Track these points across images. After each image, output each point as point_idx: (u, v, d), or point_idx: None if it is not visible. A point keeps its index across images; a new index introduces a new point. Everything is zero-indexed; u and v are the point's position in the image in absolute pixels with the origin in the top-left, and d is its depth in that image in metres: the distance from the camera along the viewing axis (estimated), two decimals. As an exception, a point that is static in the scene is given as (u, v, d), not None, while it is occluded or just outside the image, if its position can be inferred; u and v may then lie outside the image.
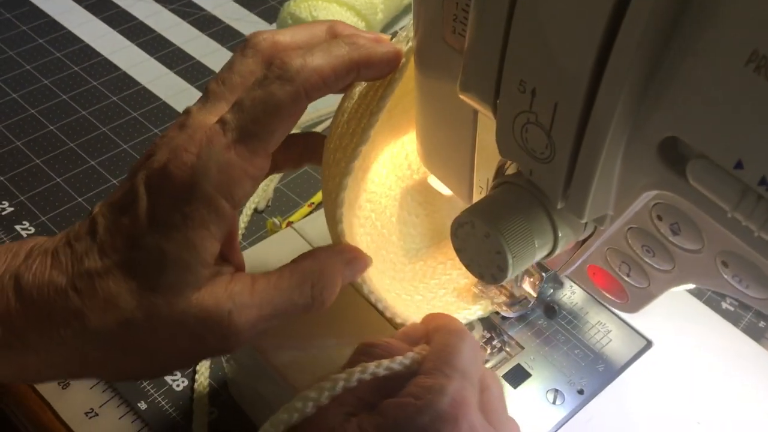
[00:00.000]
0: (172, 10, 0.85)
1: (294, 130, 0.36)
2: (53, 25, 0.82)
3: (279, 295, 0.35)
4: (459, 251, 0.34)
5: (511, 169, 0.34)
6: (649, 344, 0.44)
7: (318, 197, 0.64)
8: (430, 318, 0.40)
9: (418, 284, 0.46)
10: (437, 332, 0.37)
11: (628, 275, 0.34)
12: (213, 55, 0.79)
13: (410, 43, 0.35)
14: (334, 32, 0.37)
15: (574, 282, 0.45)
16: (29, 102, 0.73)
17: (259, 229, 0.62)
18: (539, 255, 0.32)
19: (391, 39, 0.36)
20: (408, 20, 0.35)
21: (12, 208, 0.62)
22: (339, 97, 0.38)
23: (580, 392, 0.41)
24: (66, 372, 0.35)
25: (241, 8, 0.86)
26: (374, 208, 0.43)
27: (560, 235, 0.32)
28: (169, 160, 0.33)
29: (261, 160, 0.34)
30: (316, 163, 0.41)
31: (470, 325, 0.44)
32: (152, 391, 0.50)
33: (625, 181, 0.28)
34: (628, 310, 0.36)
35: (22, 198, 0.63)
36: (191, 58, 0.79)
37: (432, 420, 0.31)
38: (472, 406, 0.32)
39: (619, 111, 0.25)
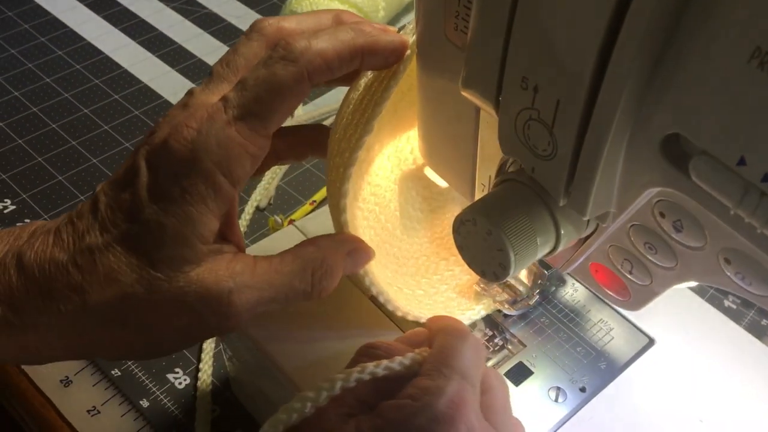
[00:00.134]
0: (174, 8, 0.86)
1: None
2: (55, 23, 0.82)
3: (280, 279, 0.35)
4: (461, 248, 0.34)
5: (513, 167, 0.34)
6: (651, 342, 0.44)
7: (319, 195, 0.64)
8: (433, 321, 0.39)
9: (420, 279, 0.46)
10: (439, 334, 0.37)
11: (630, 273, 0.34)
12: (215, 53, 0.79)
13: (415, 36, 0.35)
14: (340, 20, 0.37)
15: (577, 279, 0.45)
16: (31, 100, 0.73)
17: (261, 227, 0.62)
18: (541, 252, 0.32)
19: (398, 32, 0.36)
20: (410, 18, 0.35)
21: (14, 206, 0.63)
22: (343, 93, 0.38)
23: (582, 390, 0.41)
24: (65, 351, 0.35)
25: (242, 6, 0.86)
26: (379, 201, 0.43)
27: (562, 232, 0.32)
28: (170, 134, 0.33)
29: (261, 140, 0.34)
30: (321, 155, 0.41)
31: (472, 323, 0.44)
32: (154, 389, 0.50)
33: (628, 179, 0.28)
34: (631, 308, 0.36)
35: (24, 196, 0.63)
36: (193, 56, 0.79)
37: (428, 421, 0.31)
38: (470, 407, 0.32)
39: (622, 108, 0.25)
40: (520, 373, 0.42)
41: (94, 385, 0.50)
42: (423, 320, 0.42)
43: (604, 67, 0.24)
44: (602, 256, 0.35)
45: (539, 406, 0.40)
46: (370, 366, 0.34)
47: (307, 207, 0.63)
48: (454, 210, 0.47)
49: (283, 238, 0.47)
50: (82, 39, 0.81)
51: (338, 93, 0.73)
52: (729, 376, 0.42)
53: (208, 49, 0.80)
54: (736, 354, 0.44)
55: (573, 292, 0.46)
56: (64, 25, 0.82)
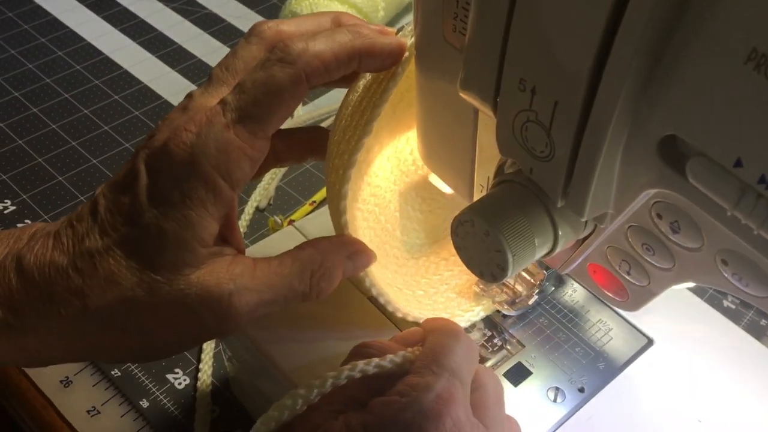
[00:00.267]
0: (174, 9, 0.86)
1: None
2: (55, 24, 0.82)
3: (279, 281, 0.35)
4: (459, 249, 0.34)
5: (511, 168, 0.34)
6: (650, 342, 0.44)
7: (319, 195, 0.64)
8: (427, 321, 0.40)
9: (420, 279, 0.46)
10: (432, 333, 0.37)
11: (628, 273, 0.34)
12: (214, 54, 0.79)
13: (413, 38, 0.35)
14: (339, 22, 0.37)
15: (575, 280, 0.45)
16: (31, 101, 0.73)
17: (261, 227, 0.62)
18: (539, 253, 0.32)
19: (397, 33, 0.36)
20: (409, 18, 0.35)
21: (14, 207, 0.63)
22: (342, 94, 0.39)
23: (581, 390, 0.41)
24: (66, 354, 0.35)
25: (242, 6, 0.86)
26: (378, 202, 0.43)
27: (560, 233, 0.32)
28: (169, 138, 0.33)
29: (260, 142, 0.34)
30: (320, 157, 0.41)
31: (471, 324, 0.45)
32: (154, 389, 0.50)
33: (625, 180, 0.28)
34: (629, 309, 0.36)
35: (24, 197, 0.63)
36: (193, 56, 0.79)
37: (415, 416, 0.31)
38: (458, 403, 0.32)
39: (619, 109, 0.25)
40: (519, 374, 0.42)
41: (94, 386, 0.50)
42: (423, 321, 0.42)
43: (602, 69, 0.24)
44: (600, 256, 0.35)
45: (538, 407, 0.41)
46: (361, 364, 0.34)
47: (306, 207, 0.63)
48: (454, 210, 0.47)
49: (282, 239, 0.47)
50: (82, 39, 0.81)
51: (338, 93, 0.73)
52: (728, 376, 0.42)
53: (208, 49, 0.80)
54: (734, 354, 0.44)
55: (572, 292, 0.46)
56: (64, 26, 0.82)
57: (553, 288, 0.46)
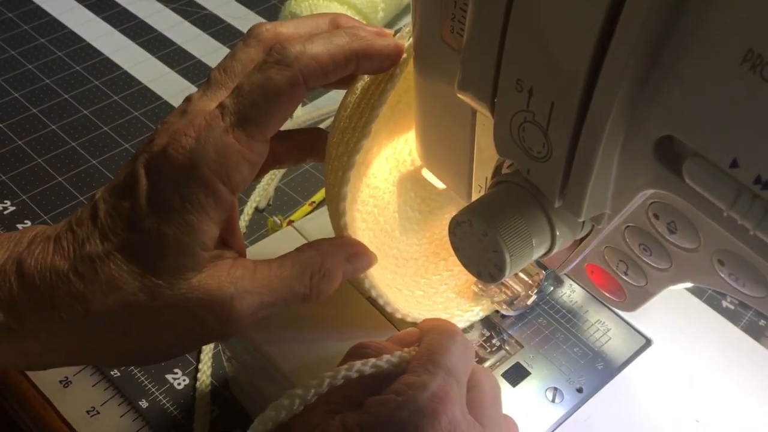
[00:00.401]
0: (174, 10, 0.86)
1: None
2: (54, 25, 0.83)
3: (279, 283, 0.35)
4: (457, 250, 0.34)
5: (509, 168, 0.34)
6: (648, 343, 0.44)
7: (318, 196, 0.64)
8: (424, 322, 0.40)
9: (420, 279, 0.46)
10: (428, 333, 0.37)
11: (625, 273, 0.34)
12: (214, 55, 0.79)
13: (411, 39, 0.35)
14: (336, 24, 0.37)
15: (573, 280, 0.45)
16: (31, 101, 0.73)
17: (260, 228, 0.62)
18: (537, 254, 0.32)
19: (395, 35, 0.36)
20: (408, 19, 0.35)
21: (14, 207, 0.63)
22: (341, 95, 0.39)
23: (579, 390, 0.41)
24: (67, 357, 0.35)
25: (242, 7, 0.86)
26: (377, 203, 0.43)
27: (558, 233, 0.32)
28: (168, 143, 0.33)
29: (259, 145, 0.34)
30: (319, 158, 0.41)
31: (470, 324, 0.45)
32: (153, 390, 0.50)
33: (622, 180, 0.28)
34: (627, 309, 0.36)
35: (23, 197, 0.64)
36: (192, 57, 0.79)
37: (411, 414, 0.31)
38: (454, 402, 0.33)
39: (616, 110, 0.25)
40: (517, 374, 0.42)
41: (93, 386, 0.50)
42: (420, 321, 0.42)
43: (598, 69, 0.24)
44: (598, 257, 0.35)
45: (536, 407, 0.41)
46: (358, 364, 0.34)
47: (306, 208, 0.63)
48: (452, 210, 0.47)
49: (282, 239, 0.47)
50: (81, 40, 0.81)
51: (338, 93, 0.73)
52: (726, 376, 0.42)
53: (208, 50, 0.80)
54: (733, 355, 0.44)
55: (570, 293, 0.46)
56: (63, 27, 0.82)
57: (552, 288, 0.46)
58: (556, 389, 0.41)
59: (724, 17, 0.22)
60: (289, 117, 0.37)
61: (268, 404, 0.33)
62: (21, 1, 0.85)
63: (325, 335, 0.42)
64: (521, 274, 0.44)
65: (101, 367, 0.51)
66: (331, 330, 0.42)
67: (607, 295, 0.36)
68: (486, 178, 0.36)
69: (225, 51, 0.80)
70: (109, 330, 0.34)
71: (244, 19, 0.84)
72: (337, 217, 0.38)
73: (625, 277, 0.34)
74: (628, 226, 0.31)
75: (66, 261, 0.33)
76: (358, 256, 0.38)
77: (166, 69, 0.78)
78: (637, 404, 0.41)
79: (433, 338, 0.36)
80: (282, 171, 0.66)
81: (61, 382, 0.50)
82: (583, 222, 0.33)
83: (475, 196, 0.38)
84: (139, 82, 0.76)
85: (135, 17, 0.84)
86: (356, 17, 0.75)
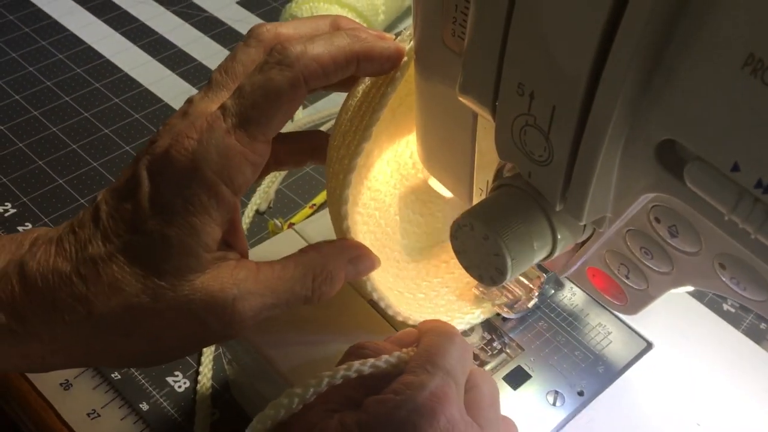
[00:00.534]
0: (175, 12, 0.86)
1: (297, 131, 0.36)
2: (55, 27, 0.83)
3: (282, 285, 0.35)
4: (458, 253, 0.34)
5: (510, 172, 0.34)
6: (649, 346, 0.44)
7: (319, 198, 0.64)
8: (423, 323, 0.40)
9: (421, 282, 0.46)
10: (427, 334, 0.37)
11: (627, 277, 0.34)
12: (215, 57, 0.79)
13: (412, 42, 0.35)
14: (337, 26, 0.37)
15: (575, 283, 0.45)
16: (31, 104, 0.73)
17: (261, 230, 0.62)
18: (538, 257, 0.32)
19: (396, 38, 0.36)
20: (410, 22, 0.35)
21: (14, 210, 0.63)
22: (341, 97, 0.39)
23: (580, 394, 0.41)
24: (69, 359, 0.35)
25: (243, 10, 0.86)
26: (378, 206, 0.43)
27: (559, 237, 0.32)
28: (170, 145, 0.33)
29: (261, 146, 0.34)
30: (320, 161, 0.41)
31: (470, 327, 0.45)
32: (154, 392, 0.50)
33: (623, 184, 0.28)
34: (628, 312, 0.36)
35: (24, 199, 0.64)
36: (193, 59, 0.79)
37: (409, 413, 0.32)
38: (452, 402, 0.33)
39: (617, 114, 0.25)
40: (518, 377, 0.42)
41: (94, 389, 0.50)
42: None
43: (599, 73, 0.24)
44: (599, 260, 0.35)
45: (537, 410, 0.41)
46: (357, 364, 0.34)
47: (306, 210, 0.63)
48: (454, 213, 0.47)
49: (282, 242, 0.47)
50: (82, 42, 0.81)
51: (339, 95, 0.73)
52: (727, 380, 0.42)
53: (209, 52, 0.80)
54: (734, 358, 0.44)
55: (571, 296, 0.46)
56: (64, 29, 0.82)
57: (553, 291, 0.46)
58: (557, 392, 0.41)
59: (725, 21, 0.22)
60: (290, 119, 0.37)
61: (269, 407, 0.33)
62: (22, 3, 0.85)
63: (326, 338, 0.42)
64: (522, 278, 0.44)
65: (102, 369, 0.51)
66: (332, 333, 0.42)
67: (608, 298, 0.36)
68: (487, 182, 0.36)
69: (226, 54, 0.79)
70: (111, 332, 0.34)
71: (244, 22, 0.85)
72: (339, 220, 0.38)
73: (626, 281, 0.34)
74: (629, 230, 0.31)
75: (68, 263, 0.33)
76: (360, 258, 0.38)
77: (167, 71, 0.78)
78: (638, 407, 0.41)
79: (431, 339, 0.36)
80: (283, 173, 0.66)
81: (61, 384, 0.50)
82: (585, 225, 0.33)
83: (476, 200, 0.38)
84: (140, 85, 0.76)
85: (136, 20, 0.84)
86: (357, 20, 0.75)
